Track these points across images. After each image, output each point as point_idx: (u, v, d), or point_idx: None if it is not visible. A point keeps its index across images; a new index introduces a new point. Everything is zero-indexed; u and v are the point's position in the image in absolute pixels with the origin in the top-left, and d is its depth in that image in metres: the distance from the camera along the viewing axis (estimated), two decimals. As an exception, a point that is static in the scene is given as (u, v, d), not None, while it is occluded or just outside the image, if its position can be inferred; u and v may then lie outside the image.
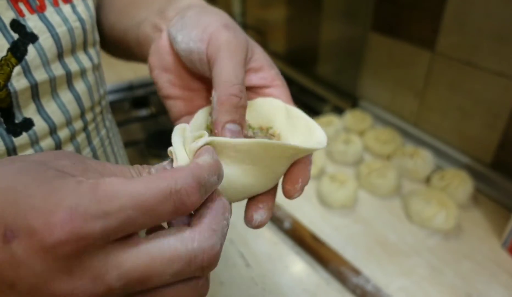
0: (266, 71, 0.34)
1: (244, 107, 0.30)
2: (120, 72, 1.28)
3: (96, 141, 0.40)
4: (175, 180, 0.20)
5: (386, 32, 0.93)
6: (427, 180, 0.82)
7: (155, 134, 1.03)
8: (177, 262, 0.20)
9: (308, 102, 1.14)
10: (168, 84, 0.36)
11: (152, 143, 0.98)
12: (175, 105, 0.36)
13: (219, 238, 0.22)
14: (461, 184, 0.75)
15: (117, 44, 0.47)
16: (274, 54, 1.36)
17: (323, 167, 0.85)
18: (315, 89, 1.15)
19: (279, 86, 0.34)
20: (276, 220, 0.73)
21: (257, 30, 1.43)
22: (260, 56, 0.34)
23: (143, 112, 1.14)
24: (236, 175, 0.27)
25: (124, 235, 0.19)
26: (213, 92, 0.30)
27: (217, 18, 0.32)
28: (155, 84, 0.37)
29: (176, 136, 0.27)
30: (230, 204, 0.27)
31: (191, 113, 0.36)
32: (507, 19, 0.69)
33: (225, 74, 0.29)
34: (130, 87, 1.23)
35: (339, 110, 1.06)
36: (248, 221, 0.30)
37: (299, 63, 1.27)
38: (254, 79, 0.34)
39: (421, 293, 0.60)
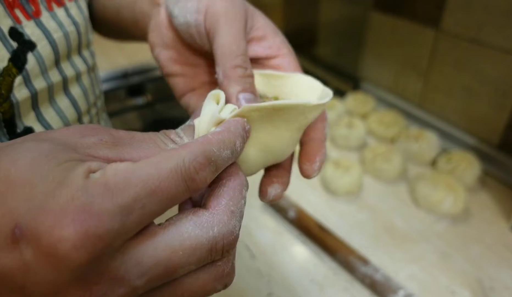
0: (271, 40, 0.32)
1: (251, 77, 0.28)
2: (114, 60, 1.24)
3: None
4: (183, 157, 0.19)
5: (388, 10, 0.89)
6: (433, 163, 0.80)
7: (152, 123, 1.00)
8: (199, 251, 0.19)
9: (308, 85, 1.11)
10: (170, 61, 0.35)
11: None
12: (178, 83, 0.35)
13: (237, 220, 0.21)
14: (468, 167, 0.74)
15: (111, 24, 0.45)
16: (271, 36, 1.32)
17: (326, 152, 0.83)
18: (315, 71, 1.12)
19: (286, 55, 0.32)
20: (280, 209, 0.71)
21: (253, 12, 1.38)
22: (262, 23, 0.32)
23: (139, 100, 1.11)
24: (251, 144, 0.26)
25: (141, 226, 0.18)
26: (217, 68, 0.28)
27: None
28: (156, 63, 0.36)
29: (207, 100, 0.26)
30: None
31: (194, 89, 0.35)
32: (517, -7, 0.66)
33: (227, 47, 0.28)
34: (125, 75, 1.19)
35: (340, 93, 1.03)
36: (263, 196, 0.29)
37: (297, 45, 1.22)
38: (258, 49, 0.32)
39: (431, 280, 0.59)
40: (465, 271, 0.60)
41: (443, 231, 0.67)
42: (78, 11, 0.36)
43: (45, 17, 0.32)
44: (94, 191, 0.17)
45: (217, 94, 0.26)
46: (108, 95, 1.13)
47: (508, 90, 0.73)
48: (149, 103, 1.09)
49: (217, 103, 0.26)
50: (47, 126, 0.32)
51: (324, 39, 1.13)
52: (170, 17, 0.33)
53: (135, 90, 1.14)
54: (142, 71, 1.22)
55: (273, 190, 0.29)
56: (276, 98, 0.31)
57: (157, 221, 0.20)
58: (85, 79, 0.37)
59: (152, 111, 1.06)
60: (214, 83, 0.32)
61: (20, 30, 0.29)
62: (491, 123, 0.78)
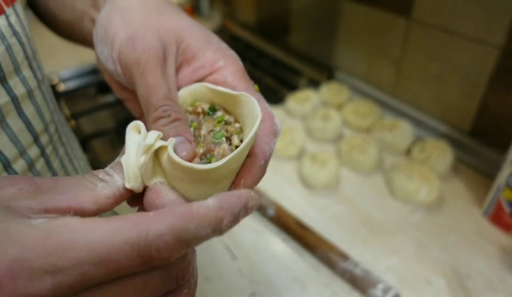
0: (201, 58, 0.29)
1: (178, 120, 0.26)
2: (81, 55, 1.19)
3: (56, 164, 0.36)
4: (147, 230, 0.17)
5: (360, -1, 0.89)
6: (408, 152, 0.82)
7: (126, 121, 0.97)
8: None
9: (282, 75, 1.10)
10: (118, 87, 0.34)
11: (123, 132, 0.93)
12: (131, 106, 0.35)
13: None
14: (441, 155, 0.75)
15: (66, 35, 0.43)
16: (243, 25, 1.29)
17: (303, 145, 0.83)
18: (288, 61, 1.11)
19: (224, 68, 0.29)
20: (260, 208, 0.71)
21: (224, 0, 1.35)
22: (191, 40, 0.29)
23: (111, 98, 1.07)
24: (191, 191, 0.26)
25: (82, 293, 0.17)
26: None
27: (122, 24, 0.28)
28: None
29: (128, 133, 0.25)
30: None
31: None
32: (485, -17, 0.66)
33: (145, 100, 0.26)
34: (94, 71, 1.15)
35: (314, 83, 1.02)
36: None
37: (270, 34, 1.21)
38: (189, 74, 0.29)
39: (409, 271, 0.61)
40: (441, 260, 0.62)
41: (419, 221, 0.68)
42: (17, 18, 0.31)
43: None
44: (31, 245, 0.15)
45: (137, 125, 0.25)
46: (76, 94, 1.09)
47: (477, 78, 0.74)
48: (121, 100, 1.06)
49: (139, 133, 0.25)
50: None
51: (297, 27, 1.12)
52: None
53: (105, 86, 1.10)
54: (112, 66, 1.18)
55: None
56: (224, 112, 0.28)
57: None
58: (38, 95, 0.34)
59: (125, 108, 1.03)
60: None
61: None
62: (462, 111, 0.79)
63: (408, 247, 0.64)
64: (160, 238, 0.17)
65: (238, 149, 0.24)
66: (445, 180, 0.75)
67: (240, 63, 0.30)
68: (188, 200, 0.26)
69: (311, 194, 0.75)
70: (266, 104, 0.28)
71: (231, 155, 0.24)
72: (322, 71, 1.03)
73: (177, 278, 0.20)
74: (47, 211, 0.19)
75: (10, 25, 0.30)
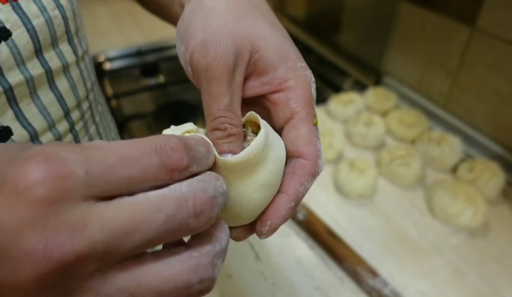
0: (271, 73, 0.27)
1: (233, 135, 0.25)
2: (128, 36, 1.21)
3: (84, 141, 0.36)
4: (159, 138, 0.19)
5: (420, 2, 0.83)
6: (454, 170, 0.76)
7: (164, 106, 0.98)
8: (166, 206, 0.18)
9: (327, 75, 1.06)
10: None
11: (161, 116, 0.93)
12: None
13: (212, 189, 0.20)
14: (491, 178, 0.69)
15: (156, 13, 0.45)
16: (292, 20, 1.26)
17: (341, 150, 0.79)
18: (335, 61, 1.07)
19: (291, 90, 0.27)
20: (289, 209, 0.68)
21: (275, -8, 1.32)
22: (265, 52, 0.27)
23: (152, 81, 1.08)
24: (241, 191, 0.25)
25: (109, 190, 0.18)
26: None
27: (201, 25, 0.26)
28: None
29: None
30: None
31: None
32: None
33: (207, 108, 0.25)
34: (139, 53, 1.16)
35: (360, 86, 0.98)
36: None
37: (319, 31, 1.17)
38: (256, 86, 0.27)
39: (442, 298, 0.57)
40: (479, 290, 0.57)
41: (458, 245, 0.64)
42: None
43: (24, 0, 0.28)
44: (64, 146, 0.17)
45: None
46: (122, 73, 1.11)
47: (543, 99, 0.67)
48: (162, 85, 1.06)
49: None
50: (27, 126, 0.29)
51: (348, 26, 1.07)
52: None
53: (148, 69, 1.11)
54: (157, 49, 1.19)
55: (234, 232, 0.26)
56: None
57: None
58: (74, 71, 0.33)
59: (165, 93, 1.03)
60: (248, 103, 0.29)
61: None
62: (520, 133, 0.73)
63: (444, 271, 0.60)
64: (171, 140, 0.19)
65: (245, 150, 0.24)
66: (493, 204, 0.70)
67: (310, 88, 0.27)
68: None
69: (344, 202, 0.71)
70: (317, 142, 0.27)
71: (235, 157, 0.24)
72: (370, 75, 0.99)
73: (196, 209, 0.18)
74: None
75: None
